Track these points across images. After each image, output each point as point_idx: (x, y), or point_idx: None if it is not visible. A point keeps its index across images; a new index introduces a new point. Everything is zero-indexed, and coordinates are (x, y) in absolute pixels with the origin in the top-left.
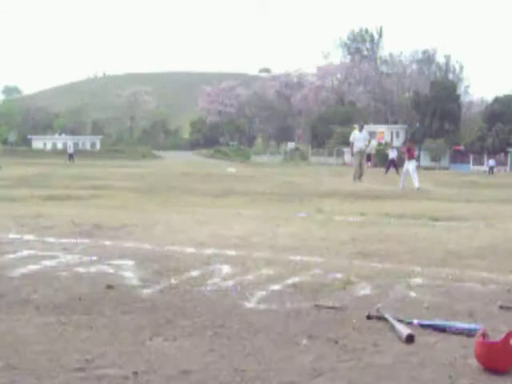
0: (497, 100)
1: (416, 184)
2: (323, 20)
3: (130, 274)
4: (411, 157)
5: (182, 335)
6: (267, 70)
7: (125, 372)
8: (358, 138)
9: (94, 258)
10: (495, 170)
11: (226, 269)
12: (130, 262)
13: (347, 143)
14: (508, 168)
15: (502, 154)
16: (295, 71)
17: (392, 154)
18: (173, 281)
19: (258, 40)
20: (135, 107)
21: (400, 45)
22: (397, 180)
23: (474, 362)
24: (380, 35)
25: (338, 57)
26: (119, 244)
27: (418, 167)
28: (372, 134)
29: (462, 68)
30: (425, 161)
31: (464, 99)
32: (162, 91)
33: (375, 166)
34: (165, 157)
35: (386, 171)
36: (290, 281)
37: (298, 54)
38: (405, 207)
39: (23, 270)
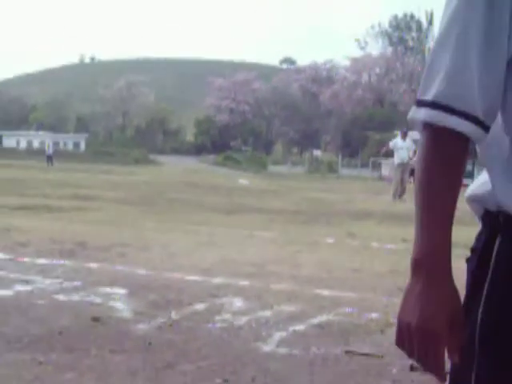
0: None
1: None
2: (360, 2)
3: (121, 305)
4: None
5: (185, 382)
6: (291, 61)
7: None
8: (401, 146)
9: (78, 283)
10: None
11: (237, 302)
12: (121, 291)
13: (386, 154)
14: None
15: None
16: (325, 63)
17: None
18: (173, 315)
19: (280, 23)
20: (129, 101)
21: None
22: None
23: None
24: (430, 22)
25: (377, 48)
26: (108, 267)
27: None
28: (417, 143)
29: None
30: None
31: None
32: (161, 82)
33: None
34: (164, 163)
35: None
36: (315, 320)
37: (329, 43)
38: (458, 232)
39: None
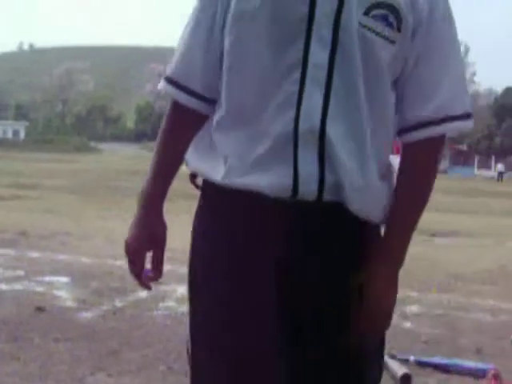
0: (508, 91)
1: None
2: None
3: (64, 294)
4: (398, 152)
5: (130, 370)
6: None
7: None
8: None
9: (20, 272)
10: (505, 176)
11: (180, 289)
12: (64, 279)
13: None
14: None
15: None
16: None
17: None
18: (117, 303)
19: None
20: (68, 88)
21: None
22: None
23: None
24: None
25: None
26: (50, 256)
27: None
28: None
29: (467, 51)
30: None
31: (469, 89)
32: (101, 70)
33: None
34: (104, 150)
35: None
36: None
37: None
38: None
39: None
